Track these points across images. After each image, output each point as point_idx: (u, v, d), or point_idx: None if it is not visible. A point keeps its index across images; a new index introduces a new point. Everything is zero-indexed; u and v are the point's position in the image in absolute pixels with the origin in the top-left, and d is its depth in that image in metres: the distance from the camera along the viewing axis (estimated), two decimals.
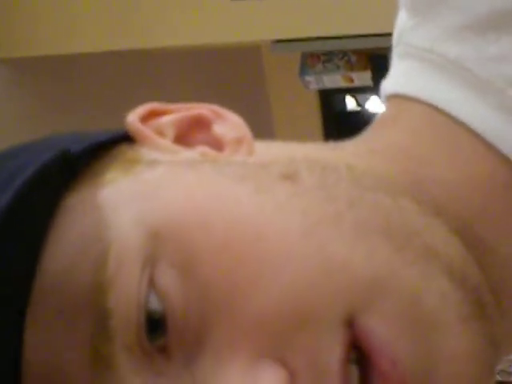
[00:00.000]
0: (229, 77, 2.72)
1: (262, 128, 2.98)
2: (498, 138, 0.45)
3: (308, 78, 2.61)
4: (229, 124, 0.47)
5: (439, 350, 0.40)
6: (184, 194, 0.42)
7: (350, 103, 3.20)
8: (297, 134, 2.80)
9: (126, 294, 0.39)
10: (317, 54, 2.54)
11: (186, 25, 1.90)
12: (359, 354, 0.39)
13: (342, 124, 3.08)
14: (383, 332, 0.39)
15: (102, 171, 0.44)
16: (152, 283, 0.39)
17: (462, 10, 0.47)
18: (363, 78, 2.72)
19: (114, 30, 1.97)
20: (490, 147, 0.45)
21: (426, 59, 0.48)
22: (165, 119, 0.47)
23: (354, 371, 0.39)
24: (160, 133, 0.47)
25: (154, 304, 0.39)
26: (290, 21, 1.84)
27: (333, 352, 0.39)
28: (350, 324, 0.39)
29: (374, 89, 2.76)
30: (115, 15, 1.97)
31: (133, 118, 0.47)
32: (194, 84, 2.58)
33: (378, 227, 0.42)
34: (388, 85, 0.50)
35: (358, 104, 3.19)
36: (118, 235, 0.40)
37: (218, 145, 0.46)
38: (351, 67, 2.68)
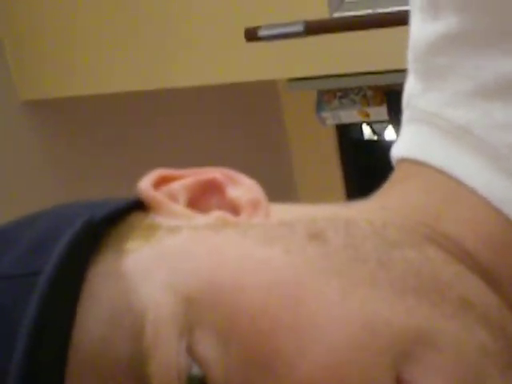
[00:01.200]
0: (246, 114, 2.74)
1: (281, 162, 2.98)
2: (504, 201, 0.46)
3: (324, 115, 2.62)
4: (243, 187, 0.47)
5: None
6: (213, 257, 0.41)
7: (367, 133, 3.22)
8: (315, 165, 2.83)
9: (167, 364, 0.39)
10: (333, 90, 2.56)
11: (201, 65, 1.93)
12: None
13: (359, 153, 3.10)
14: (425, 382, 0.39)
15: (122, 240, 0.44)
16: (190, 351, 0.39)
17: (470, 77, 0.48)
18: (379, 112, 2.73)
19: (132, 71, 1.99)
20: (497, 212, 0.46)
21: (434, 124, 0.49)
22: (177, 184, 0.47)
23: None
24: (173, 198, 0.47)
25: (195, 371, 0.39)
26: (305, 60, 1.86)
27: None
28: (399, 380, 0.39)
29: (390, 121, 2.78)
30: (133, 56, 1.98)
31: (145, 185, 0.47)
32: (212, 122, 2.60)
33: (411, 286, 0.42)
34: (397, 149, 0.51)
35: (375, 133, 3.21)
36: (151, 303, 0.40)
37: (233, 209, 0.46)
38: (367, 102, 2.69)
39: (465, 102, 0.48)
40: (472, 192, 0.47)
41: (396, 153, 0.51)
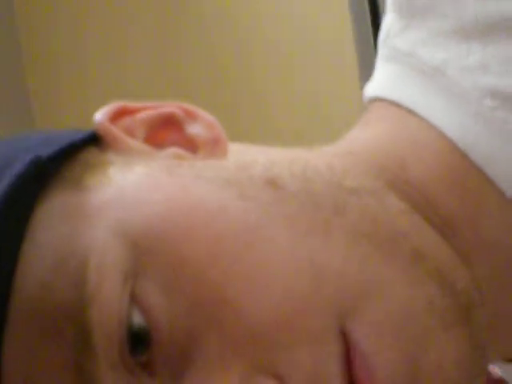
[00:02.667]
0: None
1: None
2: (471, 146, 0.45)
3: None
4: (202, 123, 0.46)
5: (424, 358, 0.39)
6: (164, 202, 0.40)
7: None
8: None
9: (108, 311, 0.38)
10: None
11: None
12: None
13: None
14: (367, 344, 0.39)
15: (72, 177, 0.42)
16: (134, 298, 0.38)
17: (448, 17, 0.47)
18: None
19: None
20: (463, 155, 0.45)
21: (408, 63, 0.48)
22: (135, 118, 0.45)
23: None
24: (130, 133, 0.45)
25: (137, 319, 0.38)
26: None
27: (330, 365, 0.38)
28: (343, 334, 0.39)
29: None
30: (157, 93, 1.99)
31: (101, 118, 0.45)
32: None
33: (366, 233, 0.41)
34: (370, 88, 0.50)
35: None
36: (96, 247, 0.39)
37: (191, 146, 0.45)
38: None
39: (441, 42, 0.47)
40: (440, 135, 0.46)
41: (368, 92, 0.50)
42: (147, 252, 0.38)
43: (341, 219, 0.41)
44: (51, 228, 0.40)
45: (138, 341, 0.38)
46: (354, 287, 0.39)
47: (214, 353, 0.38)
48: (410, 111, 0.47)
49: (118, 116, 0.45)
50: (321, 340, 0.38)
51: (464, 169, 0.45)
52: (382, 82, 0.50)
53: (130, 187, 0.41)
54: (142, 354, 0.38)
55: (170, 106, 0.46)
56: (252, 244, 0.39)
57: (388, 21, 0.51)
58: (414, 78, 0.48)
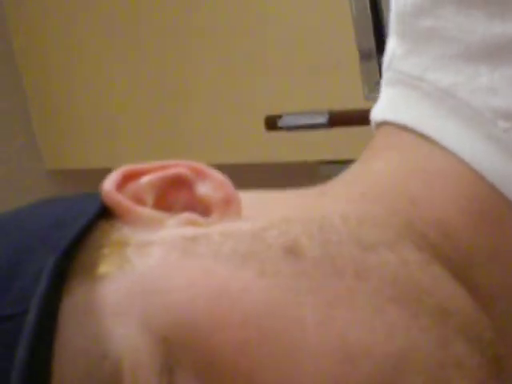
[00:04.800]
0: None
1: None
2: (486, 168, 0.44)
3: None
4: (212, 183, 0.44)
5: None
6: (186, 290, 0.39)
7: None
8: None
9: None
10: None
11: (223, 145, 1.87)
12: None
13: None
14: None
15: (88, 263, 0.41)
16: None
17: (454, 40, 0.46)
18: None
19: (154, 149, 1.96)
20: (477, 176, 0.44)
21: (416, 87, 0.47)
22: (142, 182, 0.44)
23: None
24: (139, 199, 0.44)
25: None
26: (336, 144, 1.78)
27: None
28: None
29: None
30: (155, 135, 1.96)
31: (108, 188, 0.44)
32: None
33: (389, 297, 0.40)
34: (377, 112, 0.50)
35: None
36: (127, 347, 0.38)
37: (202, 206, 0.44)
38: None
39: (449, 66, 0.46)
40: (453, 158, 0.45)
41: (375, 116, 0.50)
42: (178, 344, 0.38)
43: (363, 285, 0.40)
44: (79, 327, 0.39)
45: None
46: (386, 361, 0.39)
47: None
48: (420, 135, 0.46)
49: (124, 182, 0.44)
50: None
51: (481, 191, 0.44)
52: (390, 105, 0.49)
53: (149, 275, 0.40)
54: None
55: (177, 166, 0.45)
56: (278, 327, 0.38)
57: (392, 45, 0.50)
58: (423, 101, 0.47)
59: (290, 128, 1.67)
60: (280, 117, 1.66)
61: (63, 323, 0.39)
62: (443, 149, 0.45)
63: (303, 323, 0.38)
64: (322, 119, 1.62)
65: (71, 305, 0.39)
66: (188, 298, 0.39)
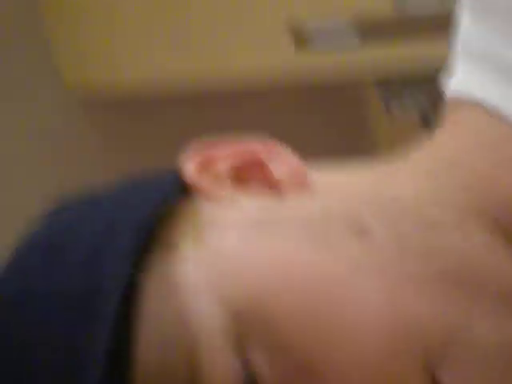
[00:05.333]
0: (329, 115, 2.65)
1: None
2: None
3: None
4: (285, 162, 0.47)
5: None
6: (259, 268, 0.42)
7: None
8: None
9: (222, 374, 0.40)
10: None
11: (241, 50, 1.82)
12: None
13: None
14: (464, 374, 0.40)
15: (170, 239, 0.44)
16: (245, 367, 0.40)
17: None
18: None
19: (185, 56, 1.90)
20: None
21: (492, 63, 0.48)
22: (221, 165, 0.47)
23: None
24: (219, 182, 0.47)
25: (249, 368, 0.40)
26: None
27: None
28: (436, 382, 0.40)
29: None
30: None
31: (189, 170, 0.47)
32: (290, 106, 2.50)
33: (452, 279, 0.42)
34: (451, 85, 0.50)
35: None
36: (204, 321, 0.41)
37: (275, 185, 0.46)
38: None
39: None
40: None
41: (450, 89, 0.50)
42: (249, 319, 0.41)
43: (429, 268, 0.42)
44: (162, 300, 0.42)
45: None
46: (440, 337, 0.41)
47: None
48: (492, 109, 0.47)
49: (204, 165, 0.47)
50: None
51: None
52: (463, 79, 0.50)
53: (227, 254, 0.43)
54: None
55: (253, 146, 0.48)
56: (345, 301, 0.41)
57: (465, 20, 0.51)
58: (499, 78, 0.47)
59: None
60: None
61: (145, 299, 0.42)
62: None
63: (367, 299, 0.41)
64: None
65: (154, 279, 0.43)
66: (259, 274, 0.42)
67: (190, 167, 0.47)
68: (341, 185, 0.47)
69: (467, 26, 0.50)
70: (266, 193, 0.46)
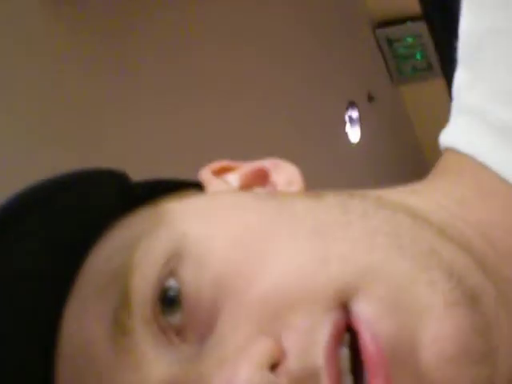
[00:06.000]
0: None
1: None
2: None
3: None
4: (285, 173, 0.54)
5: (422, 331, 0.42)
6: (207, 214, 0.49)
7: None
8: None
9: (148, 276, 0.45)
10: None
11: None
12: (353, 339, 0.42)
13: None
14: (369, 313, 0.42)
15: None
16: (172, 272, 0.45)
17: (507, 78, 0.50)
18: None
19: None
20: None
21: (481, 119, 0.51)
22: (232, 174, 0.55)
23: (346, 352, 0.42)
24: (224, 183, 0.55)
25: (171, 284, 0.45)
26: None
27: (323, 330, 0.42)
28: (343, 308, 0.42)
29: None
30: None
31: (206, 171, 0.55)
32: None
33: (385, 233, 0.45)
34: (446, 136, 0.54)
35: None
36: (154, 236, 0.47)
37: (272, 189, 0.54)
38: None
39: (506, 99, 0.50)
40: (506, 183, 0.49)
41: (444, 141, 0.54)
42: (192, 242, 0.46)
43: (363, 222, 0.46)
44: (129, 226, 0.49)
45: (171, 303, 0.45)
46: (356, 266, 0.43)
47: (229, 319, 0.44)
48: (481, 165, 0.50)
49: (220, 172, 0.55)
50: (320, 310, 0.42)
51: None
52: (457, 134, 0.53)
53: (195, 203, 0.51)
54: (173, 315, 0.44)
55: (262, 162, 0.55)
56: (270, 233, 0.46)
57: (459, 73, 0.54)
58: (488, 134, 0.51)
59: None
60: None
61: (124, 222, 0.50)
62: (502, 179, 0.50)
63: (296, 232, 0.46)
64: None
65: (134, 215, 0.50)
66: (208, 219, 0.48)
67: (207, 170, 0.55)
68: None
69: (461, 78, 0.54)
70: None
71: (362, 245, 0.44)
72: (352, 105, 2.75)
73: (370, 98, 2.92)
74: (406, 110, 3.20)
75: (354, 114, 2.75)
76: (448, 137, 0.54)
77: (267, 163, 0.54)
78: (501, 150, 0.50)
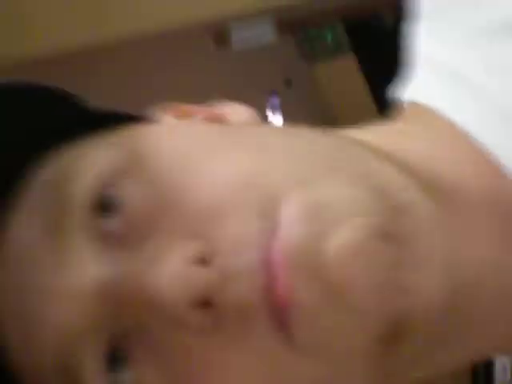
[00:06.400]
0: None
1: None
2: (493, 145, 0.51)
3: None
4: (241, 114, 0.55)
5: (329, 238, 0.43)
6: (156, 132, 0.50)
7: None
8: None
9: (90, 182, 0.45)
10: None
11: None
12: None
13: None
14: (287, 216, 0.43)
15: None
16: (113, 181, 0.46)
17: (471, 19, 0.53)
18: None
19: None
20: (479, 143, 0.51)
21: (434, 68, 0.55)
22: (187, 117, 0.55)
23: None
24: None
25: (110, 191, 0.45)
26: None
27: (253, 234, 0.43)
28: (265, 216, 0.44)
29: None
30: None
31: (168, 114, 0.55)
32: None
33: (324, 155, 0.48)
34: (406, 92, 0.57)
35: None
36: (102, 148, 0.47)
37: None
38: None
39: (465, 44, 0.53)
40: (462, 132, 0.52)
41: (405, 96, 0.57)
42: (139, 157, 0.47)
43: (308, 144, 0.49)
44: (78, 146, 0.48)
45: (109, 209, 0.45)
46: (290, 179, 0.45)
47: (165, 225, 0.45)
48: (438, 114, 0.54)
49: (179, 116, 0.55)
50: (245, 217, 0.44)
51: (477, 152, 0.51)
52: (415, 87, 0.57)
53: (154, 129, 0.51)
54: (111, 223, 0.45)
55: (218, 107, 0.55)
56: (208, 150, 0.48)
57: (415, 25, 0.57)
58: (441, 82, 0.54)
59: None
60: None
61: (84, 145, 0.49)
62: (455, 125, 0.53)
63: (231, 150, 0.48)
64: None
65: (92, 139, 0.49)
66: (158, 135, 0.49)
67: (168, 114, 0.55)
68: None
69: (417, 30, 0.57)
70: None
71: (298, 162, 0.46)
72: (272, 92, 2.85)
73: (288, 83, 3.02)
74: (322, 88, 3.31)
75: (275, 101, 2.84)
76: (408, 91, 0.57)
77: (224, 106, 0.55)
78: (453, 97, 0.53)
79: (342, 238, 0.43)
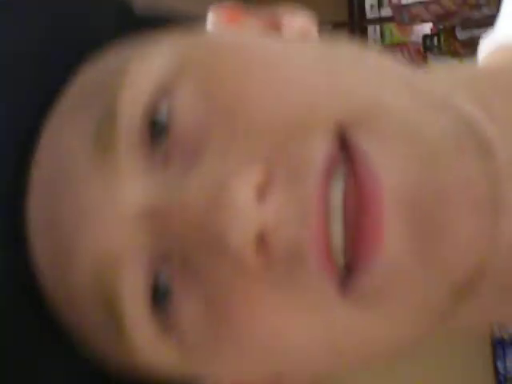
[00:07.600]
0: None
1: None
2: None
3: None
4: (299, 22, 0.49)
5: (430, 176, 0.38)
6: (218, 36, 0.46)
7: None
8: None
9: (141, 90, 0.41)
10: None
11: None
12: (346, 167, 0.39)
13: None
14: (369, 147, 0.38)
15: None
16: (166, 93, 0.41)
17: None
18: None
19: None
20: None
21: None
22: (244, 24, 0.49)
23: (341, 170, 0.39)
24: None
25: (163, 107, 0.41)
26: None
27: (317, 151, 0.38)
28: (341, 137, 0.39)
29: None
30: None
31: (216, 19, 0.50)
32: None
33: (399, 76, 0.43)
34: (494, 37, 0.57)
35: None
36: (154, 54, 0.42)
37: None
38: None
39: None
40: None
41: (491, 41, 0.56)
42: (191, 63, 0.42)
43: (377, 61, 0.44)
44: (125, 47, 0.45)
45: (159, 127, 0.41)
46: (360, 98, 0.40)
47: (220, 147, 0.40)
48: None
49: (231, 19, 0.50)
50: (316, 137, 0.39)
51: None
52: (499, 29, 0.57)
53: (207, 34, 0.48)
54: (160, 142, 0.41)
55: (275, 14, 0.49)
56: (274, 59, 0.42)
57: None
58: None
59: None
60: None
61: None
62: None
63: (301, 59, 0.43)
64: None
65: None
66: (217, 38, 0.45)
67: (215, 14, 0.50)
68: None
69: None
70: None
71: (373, 81, 0.42)
72: None
73: None
74: None
75: None
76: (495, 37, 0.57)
77: (280, 11, 0.50)
78: None
79: (443, 181, 0.38)
